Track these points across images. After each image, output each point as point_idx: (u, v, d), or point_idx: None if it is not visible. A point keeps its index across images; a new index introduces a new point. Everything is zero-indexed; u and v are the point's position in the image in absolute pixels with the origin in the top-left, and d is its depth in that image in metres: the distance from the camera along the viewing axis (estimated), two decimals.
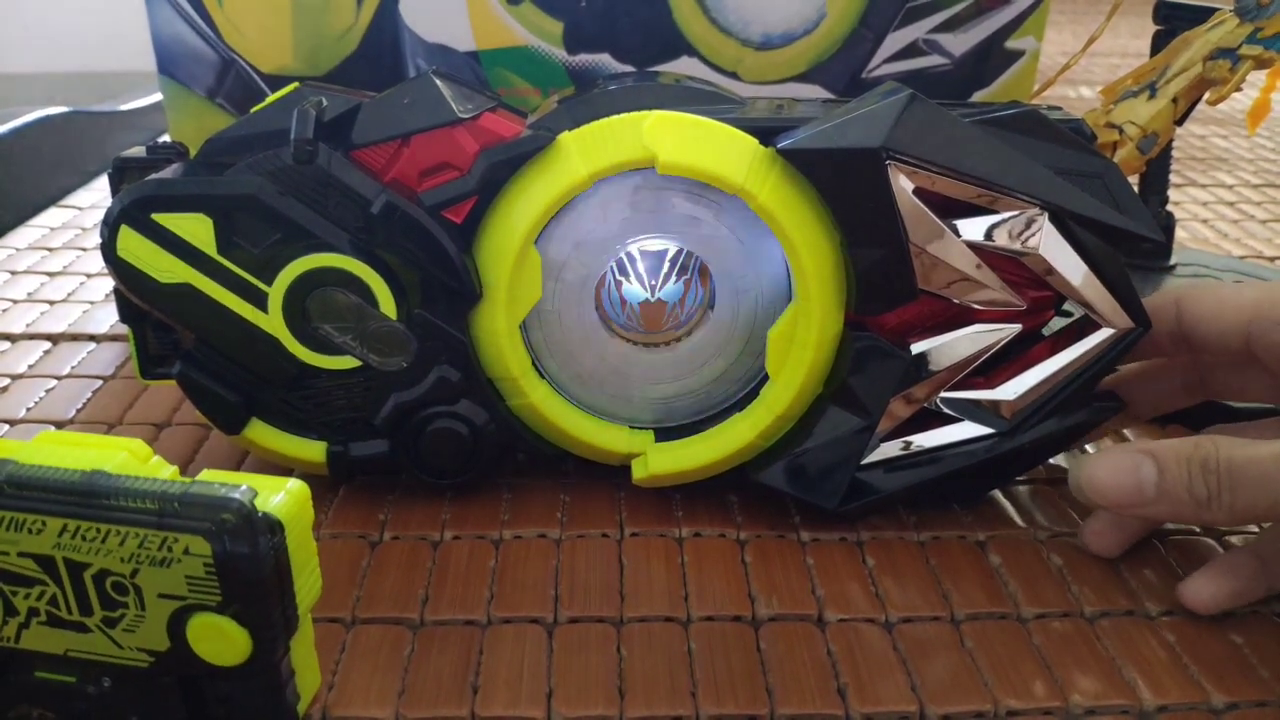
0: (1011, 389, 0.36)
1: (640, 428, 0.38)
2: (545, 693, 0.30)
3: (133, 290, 0.35)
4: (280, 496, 0.27)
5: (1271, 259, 0.63)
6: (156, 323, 0.37)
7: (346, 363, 0.36)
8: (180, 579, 0.26)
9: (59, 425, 0.43)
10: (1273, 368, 0.34)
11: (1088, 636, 0.33)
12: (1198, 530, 0.37)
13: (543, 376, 0.37)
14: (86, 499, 0.26)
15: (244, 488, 0.26)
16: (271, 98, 0.34)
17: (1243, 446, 0.31)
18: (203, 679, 0.28)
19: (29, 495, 0.26)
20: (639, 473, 0.37)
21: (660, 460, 0.37)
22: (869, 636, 0.32)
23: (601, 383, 0.37)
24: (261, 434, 0.37)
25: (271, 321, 0.35)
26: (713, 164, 0.33)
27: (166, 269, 0.34)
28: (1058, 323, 0.37)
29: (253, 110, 0.35)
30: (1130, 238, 0.35)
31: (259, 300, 0.35)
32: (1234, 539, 0.37)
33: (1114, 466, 0.32)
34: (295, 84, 0.35)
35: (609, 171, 0.34)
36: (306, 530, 0.27)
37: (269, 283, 0.34)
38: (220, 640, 0.27)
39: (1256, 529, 0.38)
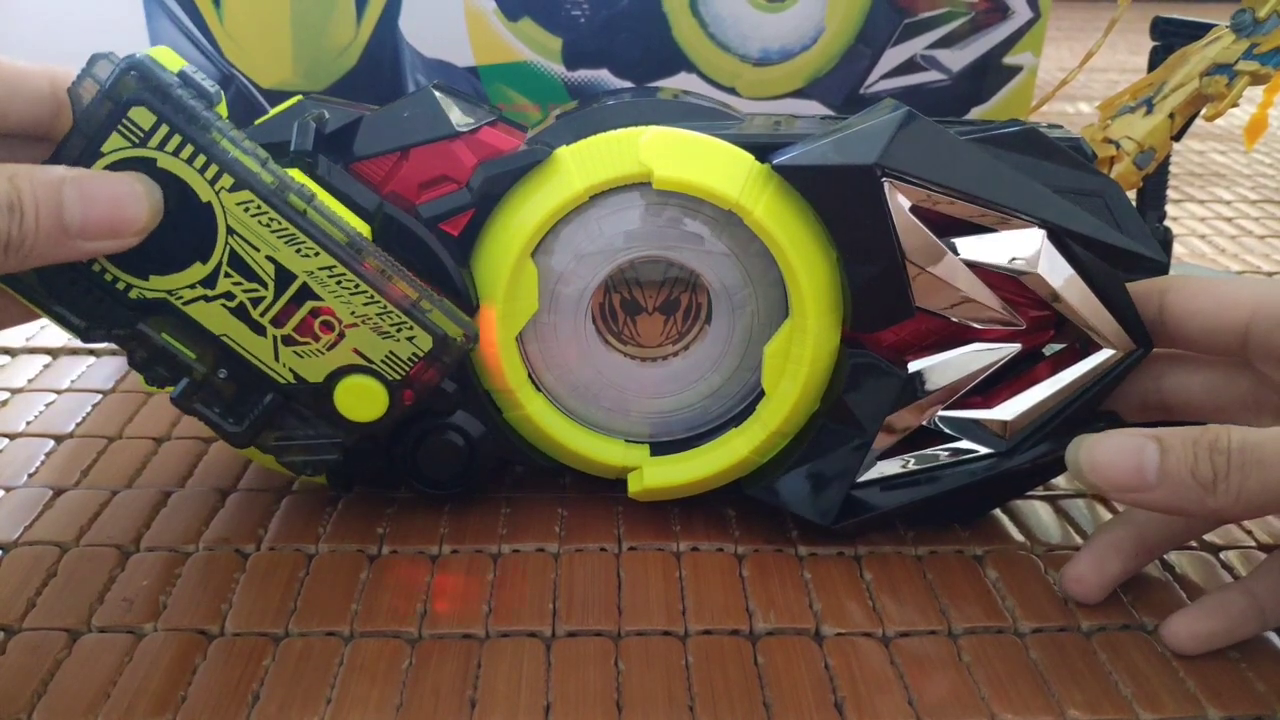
0: (1010, 409, 0.36)
1: (636, 442, 0.38)
2: (543, 706, 0.30)
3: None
4: (487, 306, 0.34)
5: (1269, 274, 0.63)
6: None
7: None
8: (384, 350, 0.32)
9: (59, 439, 0.43)
10: (1267, 369, 0.33)
11: (1084, 651, 0.33)
12: (1194, 545, 0.37)
13: (539, 389, 0.37)
14: (360, 256, 0.31)
15: (474, 327, 0.33)
16: (274, 110, 0.35)
17: (1255, 430, 0.29)
18: (299, 406, 0.33)
19: (319, 226, 0.31)
20: (634, 487, 0.37)
21: (656, 474, 0.37)
22: (866, 651, 0.32)
23: (597, 396, 0.38)
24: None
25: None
26: (708, 180, 0.34)
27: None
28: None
29: (256, 123, 0.35)
30: (1131, 257, 0.34)
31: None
32: (1224, 554, 0.37)
33: (1115, 447, 0.30)
34: (298, 97, 0.35)
35: (605, 186, 0.34)
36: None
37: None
38: (364, 401, 0.33)
39: (1249, 529, 0.38)
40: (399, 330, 0.32)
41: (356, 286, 0.31)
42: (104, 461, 0.41)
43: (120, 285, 0.31)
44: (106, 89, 0.29)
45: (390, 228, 0.34)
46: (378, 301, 0.31)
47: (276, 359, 0.32)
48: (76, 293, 0.31)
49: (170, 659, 0.31)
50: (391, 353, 0.32)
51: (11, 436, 0.43)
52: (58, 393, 0.47)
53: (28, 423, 0.44)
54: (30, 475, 0.41)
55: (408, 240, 0.34)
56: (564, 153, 0.34)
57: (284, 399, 0.33)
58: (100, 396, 0.47)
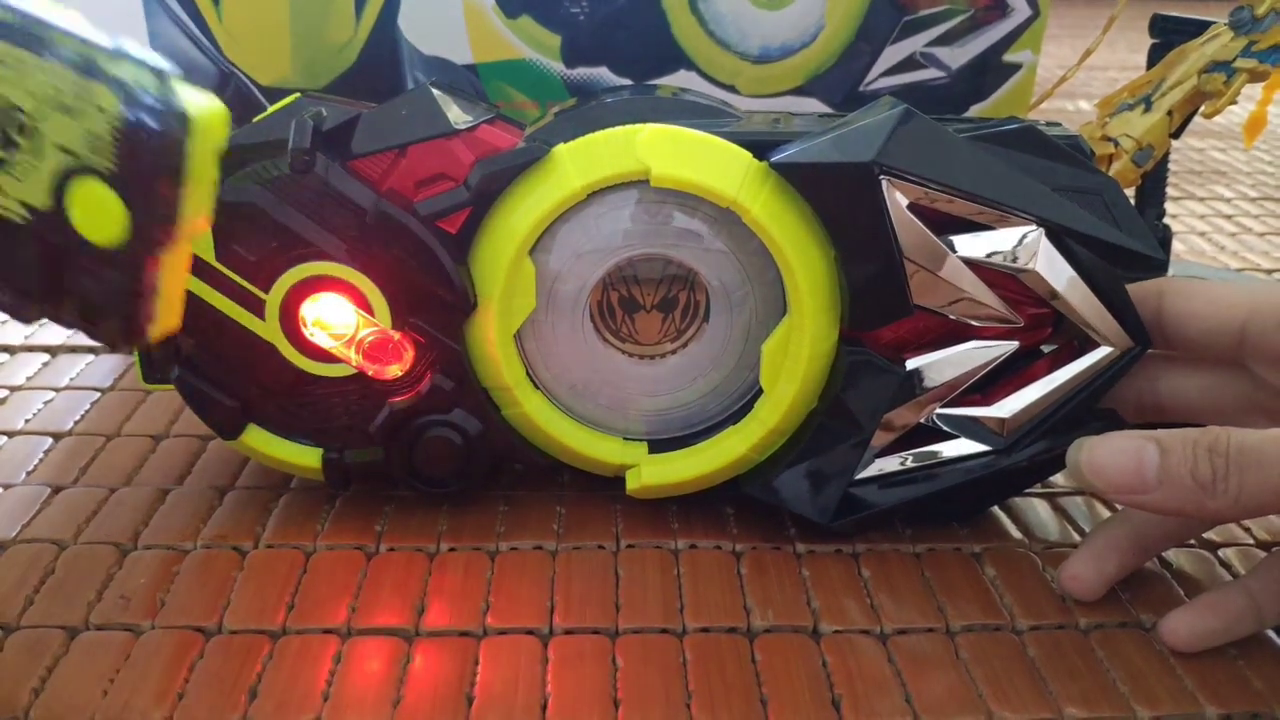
0: (1009, 406, 0.36)
1: (634, 439, 0.38)
2: (540, 704, 0.30)
3: None
4: (200, 100, 0.26)
5: (1269, 272, 0.63)
6: None
7: (343, 370, 0.36)
8: (82, 134, 0.26)
9: (57, 437, 0.43)
10: (1263, 372, 0.33)
11: (1082, 649, 0.33)
12: (1193, 542, 0.37)
13: (537, 387, 0.37)
14: (22, 23, 0.25)
15: (171, 68, 0.25)
16: (273, 108, 0.35)
17: (1254, 432, 0.29)
18: (67, 255, 0.27)
19: None
20: (633, 484, 0.37)
21: (654, 472, 0.37)
22: (864, 649, 0.32)
23: (595, 394, 0.38)
24: (258, 440, 0.37)
25: (269, 328, 0.35)
26: (706, 177, 0.34)
27: None
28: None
29: (254, 120, 0.35)
30: (1130, 255, 0.34)
31: (256, 307, 0.35)
32: (1223, 551, 0.37)
33: (1115, 448, 0.31)
34: (296, 94, 0.35)
35: (603, 184, 0.34)
36: (211, 154, 0.26)
37: (266, 290, 0.35)
38: (99, 212, 0.26)
39: (1246, 530, 0.38)
40: (80, 99, 0.26)
41: (22, 60, 0.26)
42: (102, 459, 0.41)
43: None
44: None
45: (388, 225, 0.34)
46: (48, 68, 0.25)
47: (3, 193, 0.27)
48: None
49: (168, 656, 0.31)
50: (89, 133, 0.26)
51: (10, 434, 0.43)
52: (56, 390, 0.47)
53: (26, 420, 0.44)
54: (29, 473, 0.41)
55: (405, 238, 0.34)
56: (562, 150, 0.34)
57: (41, 246, 0.27)
58: (99, 394, 0.47)
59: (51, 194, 0.27)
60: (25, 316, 0.29)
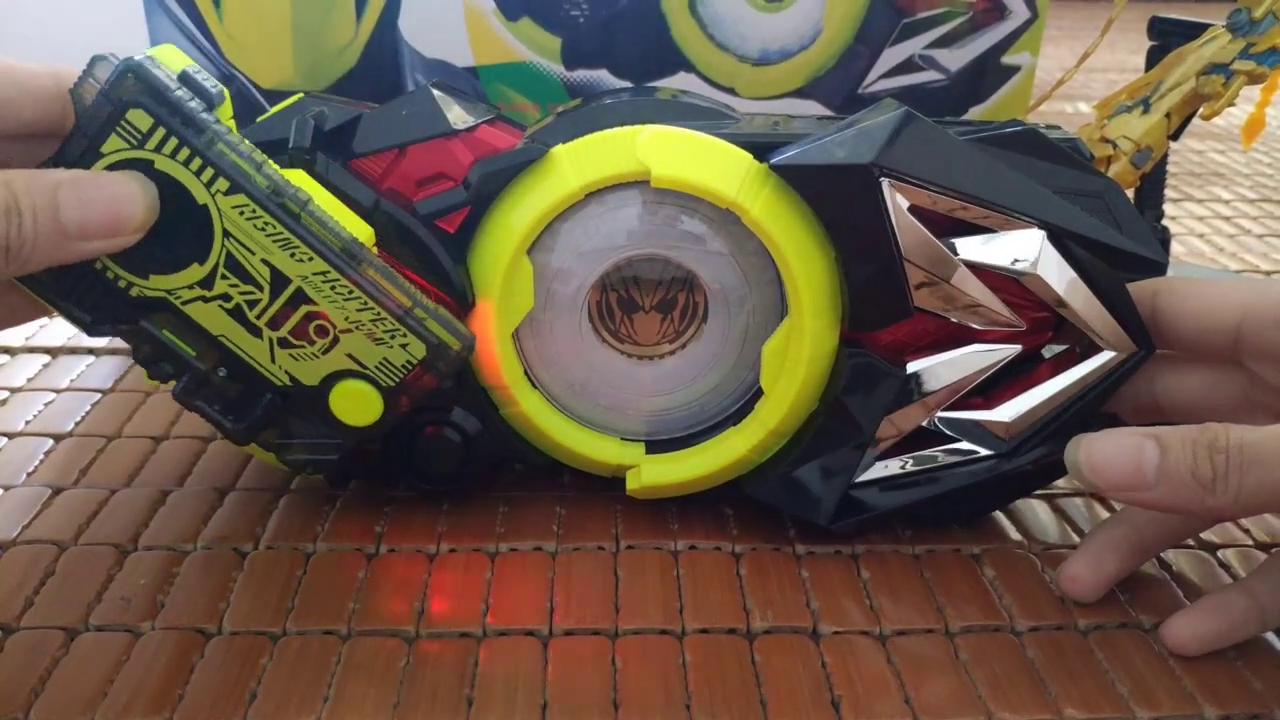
0: (1011, 410, 0.36)
1: (632, 440, 0.38)
2: (540, 705, 0.30)
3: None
4: (464, 345, 0.33)
5: (1268, 273, 0.63)
6: None
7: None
8: (378, 357, 0.32)
9: (58, 438, 0.43)
10: (1260, 370, 0.33)
11: (1081, 650, 0.33)
12: (1192, 543, 0.38)
13: (535, 386, 0.37)
14: (355, 263, 0.31)
15: (470, 336, 0.33)
16: (275, 108, 0.35)
17: (1254, 429, 0.29)
18: (291, 408, 0.33)
19: (313, 231, 0.31)
20: (633, 484, 0.38)
21: (654, 472, 0.37)
22: (863, 650, 0.32)
23: (594, 394, 0.38)
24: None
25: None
26: (706, 178, 0.34)
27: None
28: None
29: (257, 120, 0.35)
30: (1131, 258, 0.34)
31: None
32: (1222, 552, 0.37)
33: (1115, 446, 0.30)
34: (299, 95, 0.35)
35: (602, 184, 0.34)
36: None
37: None
38: (359, 405, 0.33)
39: (1245, 533, 0.38)
40: (393, 337, 0.32)
41: (350, 292, 0.31)
42: (103, 460, 0.42)
43: (122, 283, 0.31)
44: (105, 90, 0.29)
45: (387, 224, 0.34)
46: (371, 308, 0.32)
47: (273, 361, 0.32)
48: (82, 289, 0.31)
49: (168, 658, 0.31)
50: (385, 359, 0.32)
51: (10, 435, 0.43)
52: (57, 392, 0.47)
53: (27, 422, 0.44)
54: (29, 474, 0.41)
55: (405, 237, 0.34)
56: (560, 151, 0.34)
57: (282, 400, 0.33)
58: (99, 396, 0.47)
59: (322, 380, 0.33)
60: (240, 440, 0.34)
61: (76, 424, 0.44)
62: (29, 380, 0.48)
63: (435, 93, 0.35)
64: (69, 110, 0.30)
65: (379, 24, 0.45)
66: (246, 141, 0.31)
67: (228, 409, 0.33)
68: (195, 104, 0.30)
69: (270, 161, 0.31)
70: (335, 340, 0.32)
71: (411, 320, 0.32)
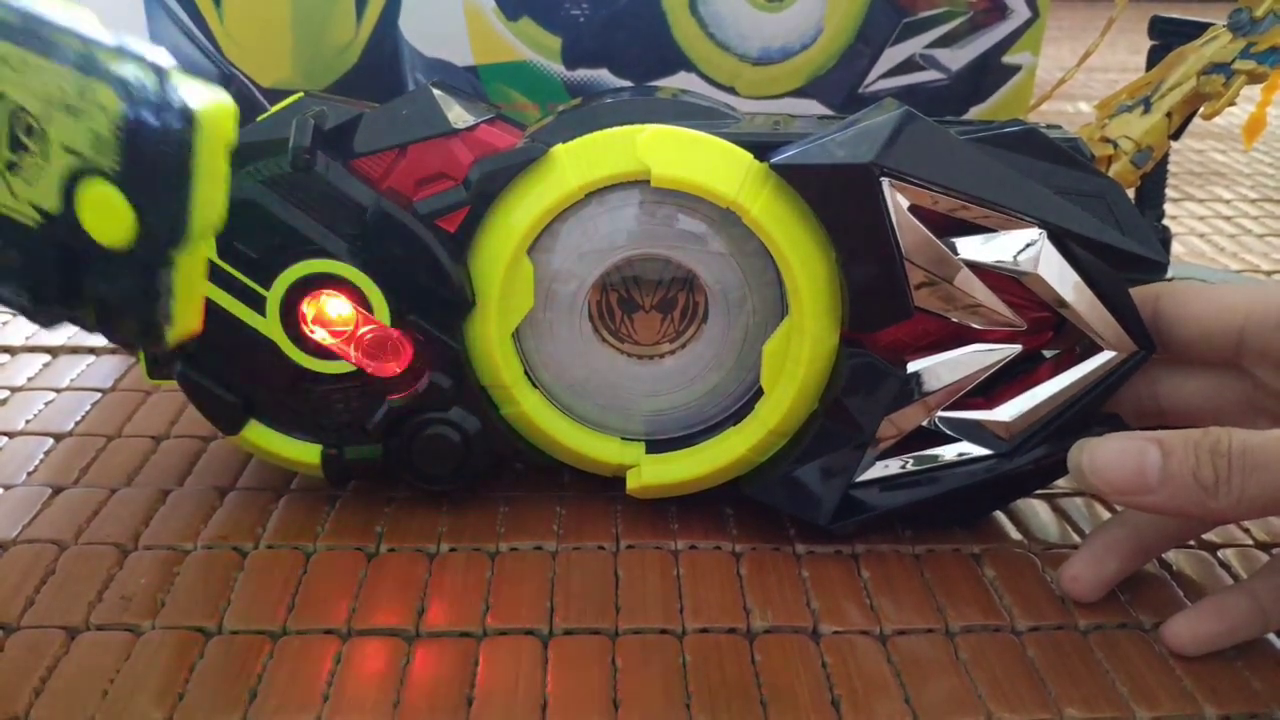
0: (1011, 410, 0.36)
1: (632, 439, 0.38)
2: (540, 704, 0.30)
3: None
4: (204, 96, 0.26)
5: (1269, 273, 0.63)
6: None
7: (342, 367, 0.36)
8: (86, 134, 0.26)
9: (58, 438, 0.43)
10: (1262, 374, 0.33)
11: (1082, 650, 0.33)
12: (1192, 544, 0.38)
13: (535, 385, 0.37)
14: (24, 23, 0.26)
15: (172, 65, 0.26)
16: (276, 107, 0.35)
17: (1256, 433, 0.29)
18: (81, 260, 0.28)
19: None
20: (633, 483, 0.38)
21: (654, 472, 0.37)
22: (863, 649, 0.32)
23: (593, 393, 0.38)
24: (259, 435, 0.37)
25: (269, 325, 0.35)
26: (706, 178, 0.34)
27: None
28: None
29: (258, 119, 0.35)
30: (1133, 258, 0.34)
31: (257, 304, 0.35)
32: (1222, 552, 0.37)
33: (1117, 450, 0.30)
34: (300, 94, 0.35)
35: (601, 184, 0.34)
36: (219, 150, 0.27)
37: (267, 287, 0.35)
38: (107, 213, 0.26)
39: (1244, 536, 0.38)
40: (84, 98, 0.26)
41: (25, 61, 0.26)
42: (103, 460, 0.42)
43: None
44: None
45: (387, 224, 0.34)
46: (50, 68, 0.26)
47: (13, 195, 0.27)
48: None
49: (168, 657, 0.32)
50: (95, 135, 0.26)
51: (11, 435, 0.43)
52: (57, 391, 0.47)
53: (27, 421, 0.44)
54: (29, 473, 0.41)
55: (404, 236, 0.34)
56: (560, 150, 0.34)
57: (56, 250, 0.28)
58: (99, 395, 0.47)
59: (61, 196, 0.27)
60: (45, 321, 0.29)
61: (77, 423, 0.44)
62: (29, 379, 0.48)
63: (435, 92, 0.35)
64: None
65: (379, 23, 0.45)
66: None
67: (19, 285, 0.29)
68: None
69: None
70: (43, 134, 0.26)
71: (94, 65, 0.25)
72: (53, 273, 0.28)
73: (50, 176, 0.27)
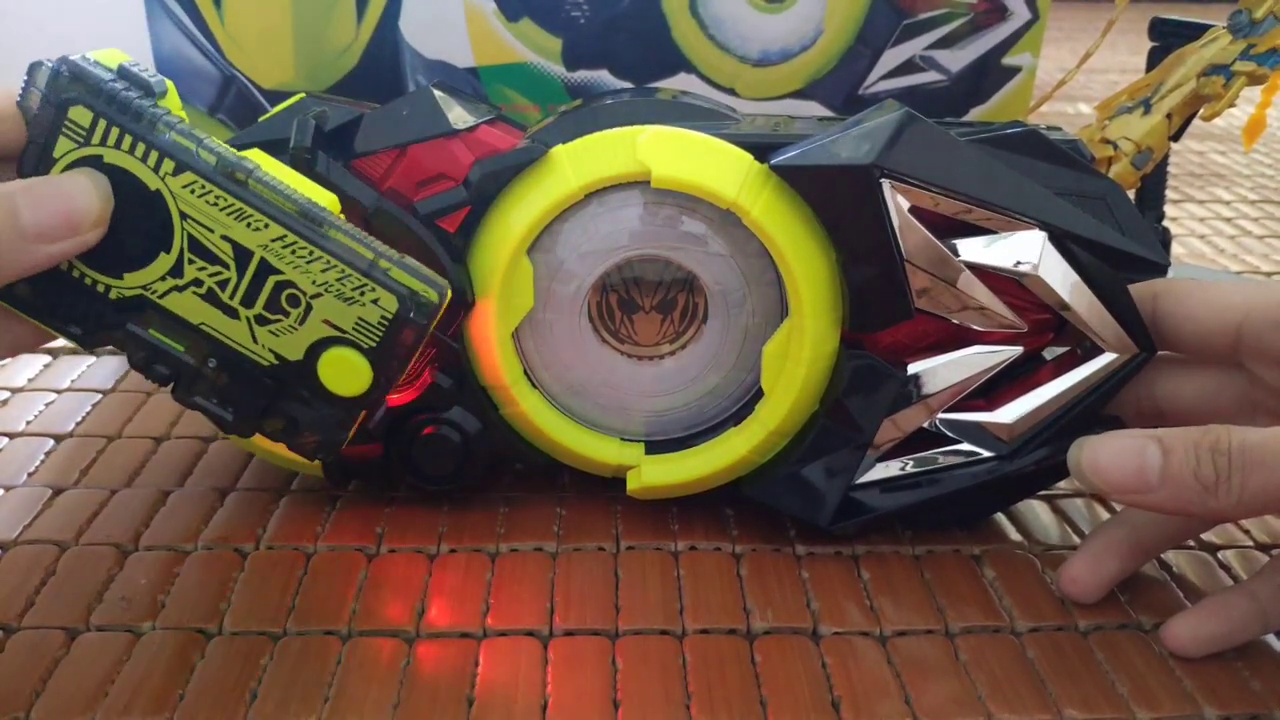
0: (1012, 412, 0.36)
1: (631, 440, 0.38)
2: (540, 705, 0.30)
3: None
4: (443, 285, 0.32)
5: (1268, 274, 0.63)
6: None
7: None
8: (352, 317, 0.32)
9: (58, 439, 0.43)
10: (1261, 371, 0.33)
11: (1081, 650, 0.33)
12: (1192, 544, 0.38)
13: (534, 386, 0.37)
14: (313, 224, 0.31)
15: (443, 284, 0.32)
16: (278, 108, 0.35)
17: (1256, 431, 0.29)
18: (289, 390, 0.33)
19: (265, 198, 0.30)
20: (633, 484, 0.38)
21: (654, 473, 0.37)
22: (863, 650, 0.32)
23: (593, 394, 0.38)
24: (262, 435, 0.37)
25: None
26: (706, 179, 0.34)
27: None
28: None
29: (260, 119, 0.35)
30: (1133, 260, 0.34)
31: None
32: (1222, 553, 0.37)
33: (1117, 449, 0.30)
34: (301, 94, 0.35)
35: (601, 184, 0.34)
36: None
37: None
38: (348, 372, 0.32)
39: (1245, 539, 0.38)
40: (362, 294, 0.31)
41: (311, 255, 0.31)
42: (103, 461, 0.42)
43: (100, 287, 0.31)
44: (46, 94, 0.29)
45: (387, 224, 0.34)
46: (335, 267, 0.31)
47: (254, 340, 0.32)
48: (67, 301, 0.31)
49: (168, 658, 0.32)
50: (360, 319, 0.32)
51: (11, 436, 0.43)
52: (58, 392, 0.47)
53: (28, 422, 0.44)
54: (30, 474, 0.41)
55: (404, 236, 0.34)
56: (560, 151, 0.34)
57: (276, 382, 0.33)
58: (100, 396, 0.47)
59: (306, 352, 0.32)
60: (242, 432, 0.33)
61: (77, 424, 0.44)
62: (30, 380, 0.48)
63: (436, 93, 0.35)
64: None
65: (380, 25, 0.45)
66: (186, 122, 0.30)
67: (225, 401, 0.33)
68: (133, 93, 0.30)
69: (214, 138, 0.31)
70: (309, 308, 0.31)
71: (377, 273, 0.31)
72: (260, 397, 0.33)
73: (301, 337, 0.32)
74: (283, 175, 0.31)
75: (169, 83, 0.31)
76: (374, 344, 0.32)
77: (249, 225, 0.30)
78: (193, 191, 0.30)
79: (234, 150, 0.31)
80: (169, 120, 0.30)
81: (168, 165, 0.30)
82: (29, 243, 0.29)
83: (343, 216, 0.32)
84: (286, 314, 0.32)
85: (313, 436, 0.34)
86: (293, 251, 0.31)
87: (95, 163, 0.30)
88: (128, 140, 0.30)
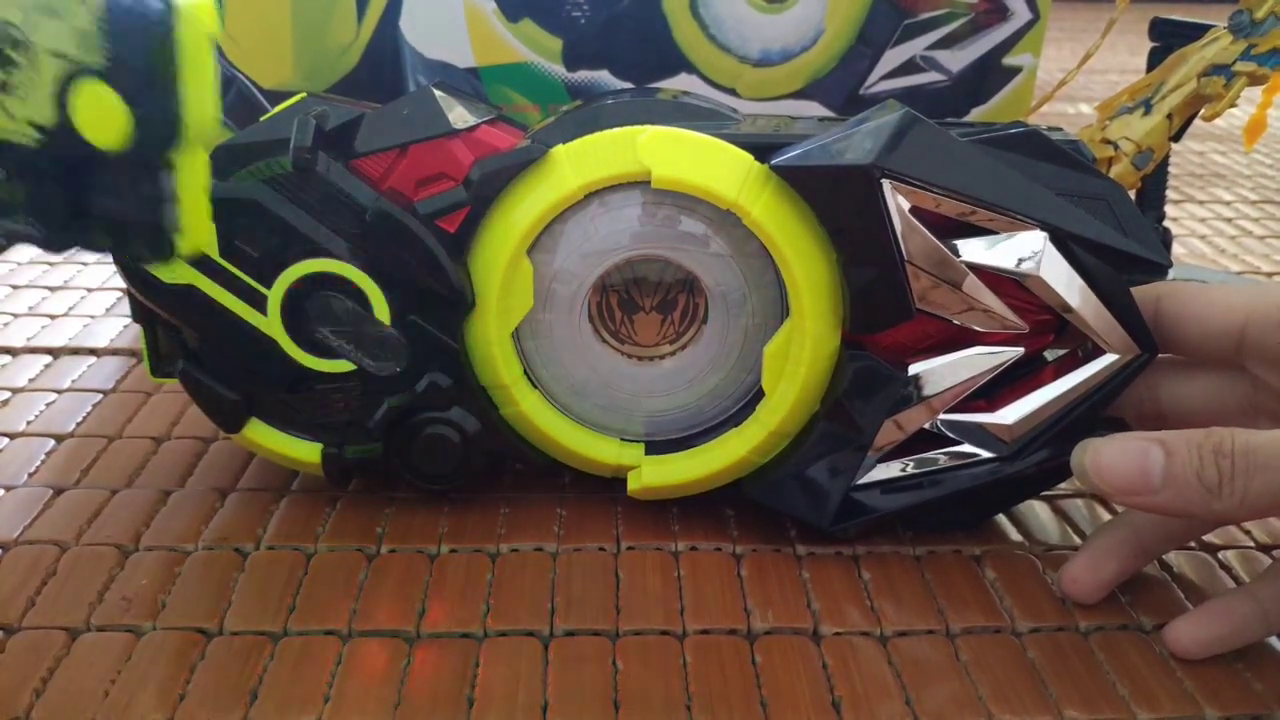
0: (1014, 413, 0.36)
1: (631, 440, 0.38)
2: (540, 705, 0.30)
3: (139, 290, 0.35)
4: None
5: (1269, 275, 0.63)
6: (165, 323, 0.38)
7: (343, 366, 0.36)
8: (70, 33, 0.27)
9: (59, 439, 0.43)
10: (1263, 374, 0.33)
11: (1082, 651, 0.33)
12: (1193, 545, 0.38)
13: (534, 386, 0.37)
14: None
15: None
16: (279, 107, 0.35)
17: (1259, 433, 0.29)
18: (85, 176, 0.28)
19: None
20: (634, 485, 0.38)
21: (655, 473, 0.37)
22: (864, 651, 0.32)
23: (593, 394, 0.38)
24: (260, 433, 0.37)
25: (270, 324, 0.35)
26: (706, 179, 0.34)
27: (170, 270, 0.35)
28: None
29: (261, 119, 0.35)
30: (1135, 261, 0.34)
31: (258, 303, 0.35)
32: (1223, 554, 0.37)
33: (1120, 450, 0.30)
34: (302, 94, 0.35)
35: (601, 184, 0.34)
36: (204, 42, 0.27)
37: (268, 286, 0.35)
38: (101, 113, 0.27)
39: (1246, 542, 0.38)
40: None
41: None
42: (104, 461, 0.42)
43: None
44: None
45: (387, 224, 0.34)
46: None
47: (11, 118, 0.28)
48: None
49: (169, 658, 0.32)
50: (77, 30, 0.27)
51: (12, 436, 0.43)
52: (58, 392, 0.47)
53: (28, 422, 0.44)
54: (30, 474, 0.41)
55: (404, 236, 0.34)
56: (560, 151, 0.34)
57: (55, 166, 0.28)
58: (100, 396, 0.47)
59: (55, 105, 0.27)
60: (58, 247, 0.29)
61: (78, 424, 0.44)
62: (30, 381, 0.48)
63: (437, 93, 0.35)
64: None
65: (380, 25, 0.45)
66: None
67: (30, 217, 0.29)
68: None
69: None
70: (29, 44, 0.27)
71: None
72: (58, 194, 0.28)
73: (42, 87, 0.27)
74: None
75: None
76: (105, 60, 0.27)
77: None
78: None
79: None
80: None
81: None
82: None
83: None
84: (16, 63, 0.27)
85: (138, 235, 0.29)
86: None
87: None
88: None
